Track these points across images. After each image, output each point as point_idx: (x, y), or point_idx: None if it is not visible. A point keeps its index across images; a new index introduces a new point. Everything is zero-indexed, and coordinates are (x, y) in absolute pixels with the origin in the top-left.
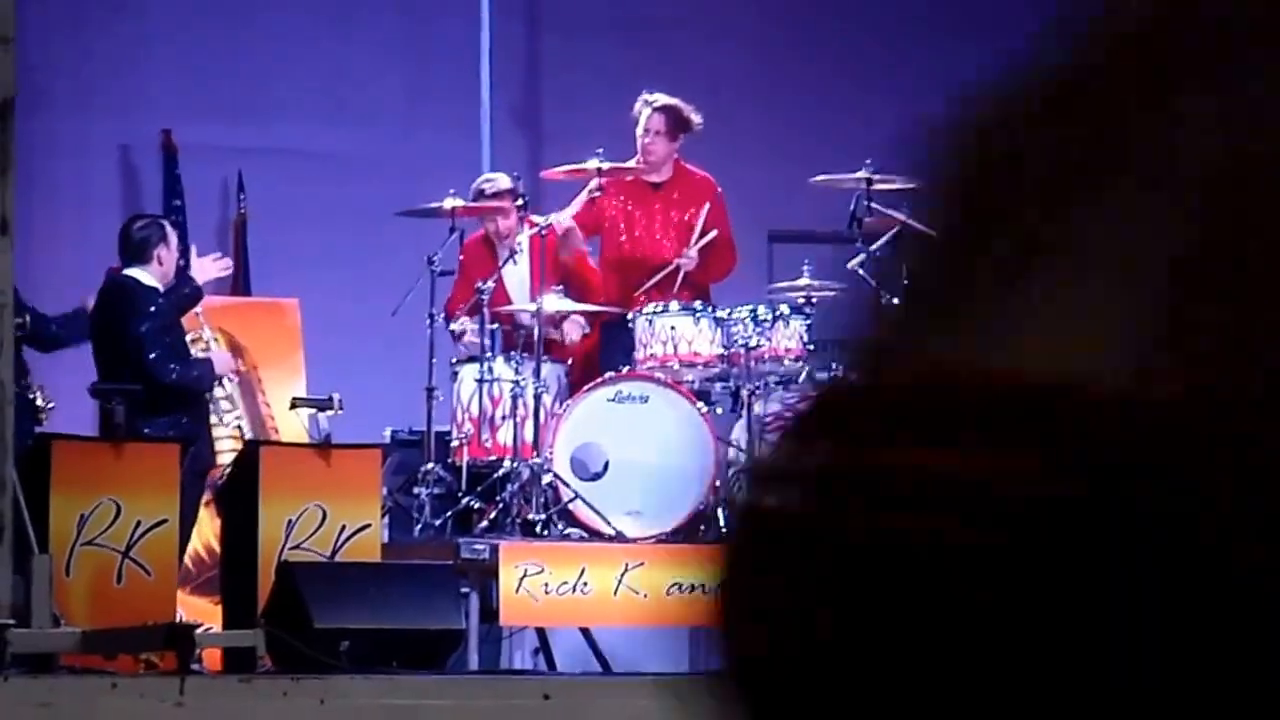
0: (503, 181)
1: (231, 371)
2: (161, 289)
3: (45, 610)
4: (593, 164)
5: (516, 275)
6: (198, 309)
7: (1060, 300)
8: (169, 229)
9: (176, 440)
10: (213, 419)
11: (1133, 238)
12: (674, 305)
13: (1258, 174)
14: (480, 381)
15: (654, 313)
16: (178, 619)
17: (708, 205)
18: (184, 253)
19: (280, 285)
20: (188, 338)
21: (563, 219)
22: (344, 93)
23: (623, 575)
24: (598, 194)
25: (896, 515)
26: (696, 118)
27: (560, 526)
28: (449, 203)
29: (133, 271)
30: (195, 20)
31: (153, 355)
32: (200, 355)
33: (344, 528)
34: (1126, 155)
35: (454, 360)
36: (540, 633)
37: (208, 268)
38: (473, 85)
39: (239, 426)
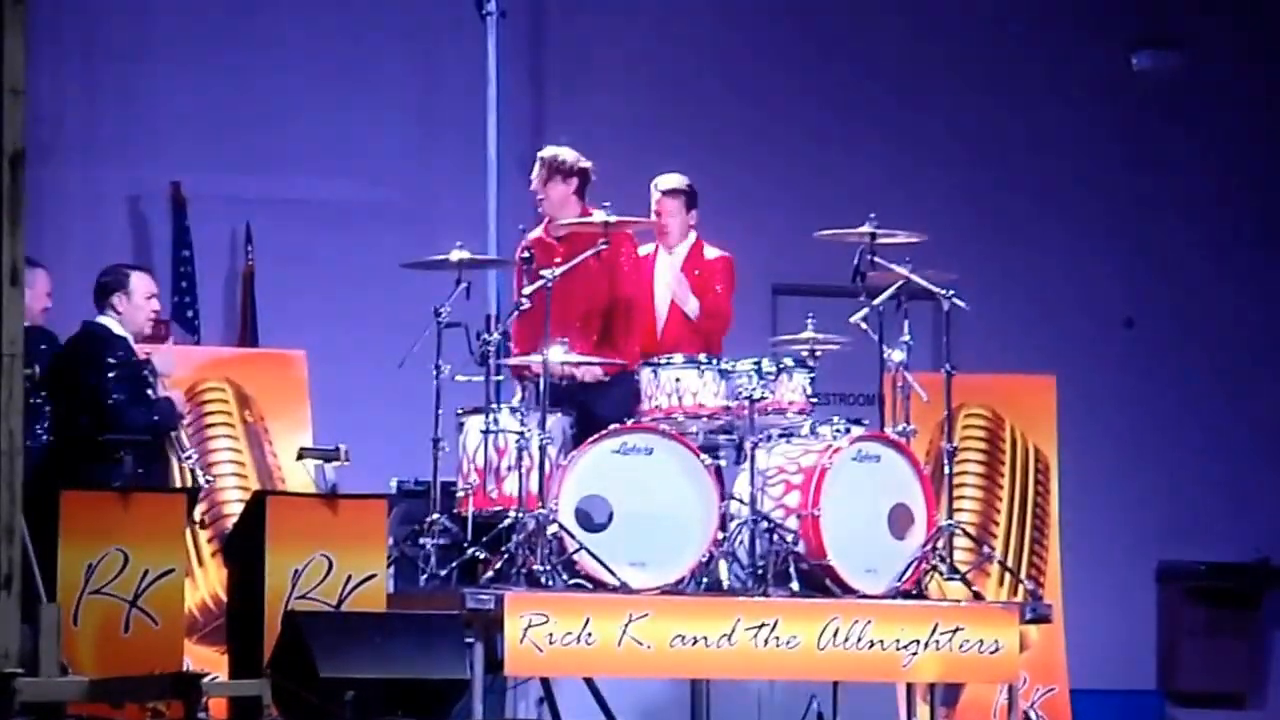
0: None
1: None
2: (129, 336)
3: (53, 659)
4: (599, 216)
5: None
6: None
7: None
8: (134, 278)
9: (120, 484)
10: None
11: None
12: (679, 357)
13: None
14: (486, 433)
15: (659, 364)
16: (184, 668)
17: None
18: (191, 306)
19: (287, 336)
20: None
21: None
22: (352, 145)
23: (627, 626)
24: (604, 247)
25: None
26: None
27: (565, 577)
28: (455, 254)
29: (100, 319)
30: (204, 73)
31: (111, 400)
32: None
33: (350, 578)
34: None
35: (460, 411)
36: (545, 683)
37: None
38: (479, 137)
39: (193, 471)
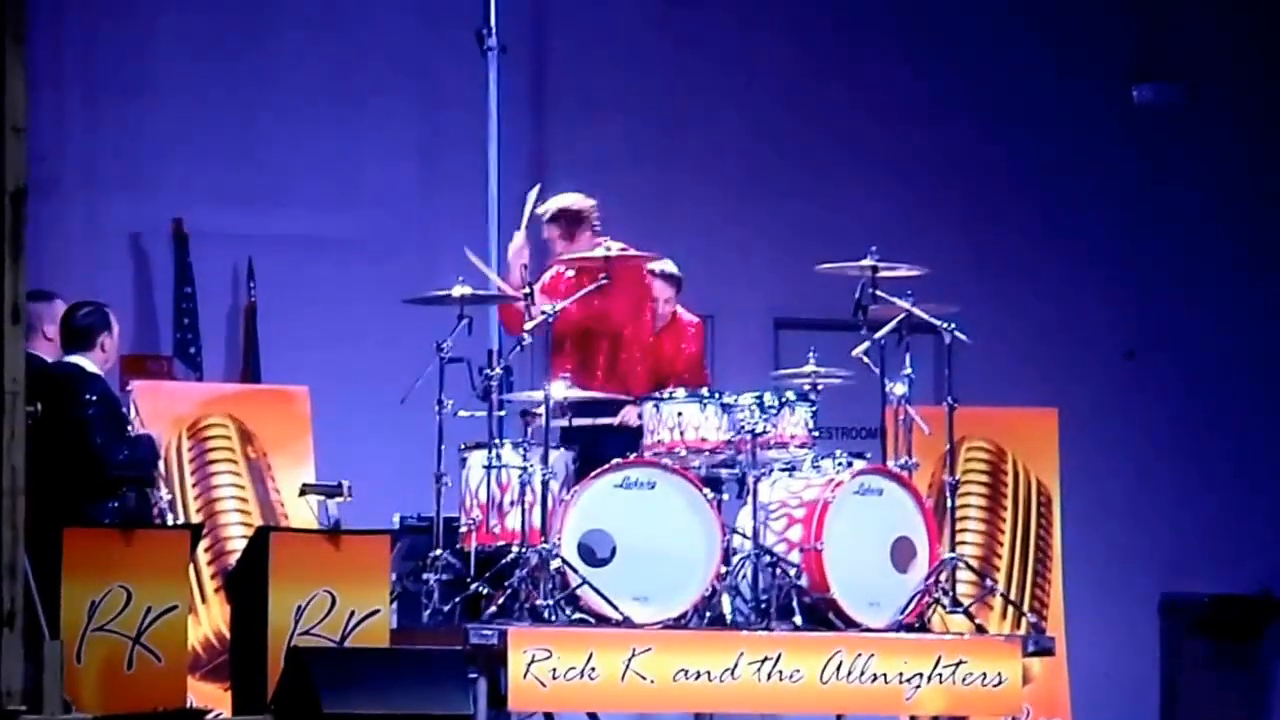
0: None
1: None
2: (103, 375)
3: (56, 696)
4: (600, 252)
5: None
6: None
7: None
8: (112, 317)
9: (118, 520)
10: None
11: None
12: (680, 392)
13: None
14: (488, 468)
15: (661, 399)
16: (188, 704)
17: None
18: (193, 342)
19: (289, 372)
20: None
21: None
22: (353, 180)
23: (630, 660)
24: (605, 281)
25: None
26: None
27: (568, 612)
28: (457, 290)
29: (74, 358)
30: (206, 109)
31: (98, 439)
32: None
33: (353, 613)
34: None
35: (462, 446)
36: (548, 718)
37: None
38: (481, 172)
39: (162, 512)
